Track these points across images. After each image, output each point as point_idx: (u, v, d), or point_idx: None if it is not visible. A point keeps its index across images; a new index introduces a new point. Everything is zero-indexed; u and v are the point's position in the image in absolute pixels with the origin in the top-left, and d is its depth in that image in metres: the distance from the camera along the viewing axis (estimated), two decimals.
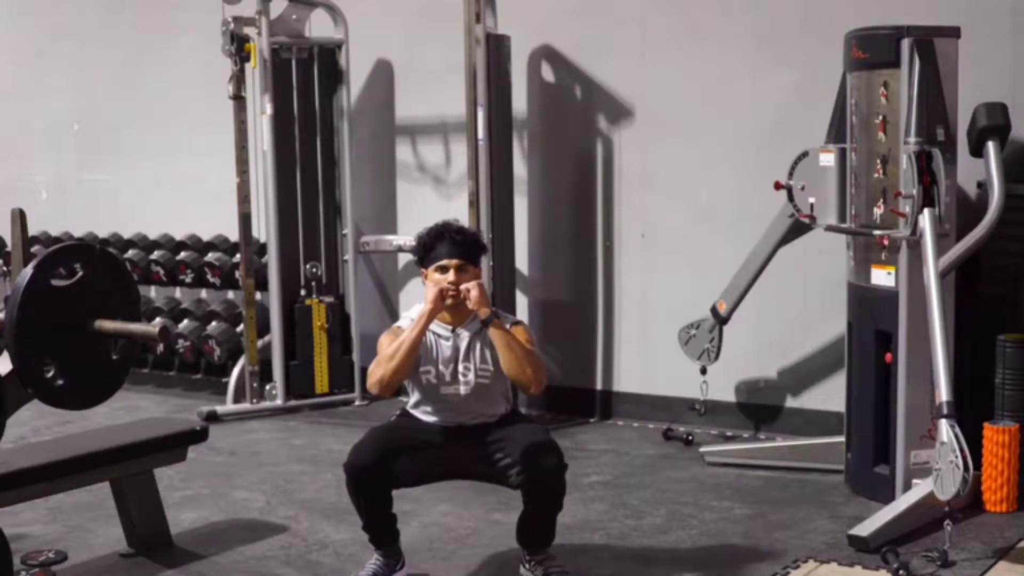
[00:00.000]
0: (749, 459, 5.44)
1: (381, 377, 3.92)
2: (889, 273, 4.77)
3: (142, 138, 7.82)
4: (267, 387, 6.72)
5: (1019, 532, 4.46)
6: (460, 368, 4.02)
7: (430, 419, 4.09)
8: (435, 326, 4.01)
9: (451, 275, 3.94)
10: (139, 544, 4.45)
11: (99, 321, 3.84)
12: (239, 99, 6.61)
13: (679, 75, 6.10)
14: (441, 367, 4.02)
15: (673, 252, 6.18)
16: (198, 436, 4.57)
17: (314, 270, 6.77)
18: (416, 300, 6.86)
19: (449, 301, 3.94)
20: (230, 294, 7.35)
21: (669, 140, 6.16)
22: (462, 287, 3.92)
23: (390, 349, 3.94)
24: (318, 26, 6.81)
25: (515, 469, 3.90)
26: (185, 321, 7.24)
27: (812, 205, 5.08)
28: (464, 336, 4.03)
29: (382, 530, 4.06)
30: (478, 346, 4.02)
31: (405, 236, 6.82)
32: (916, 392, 4.65)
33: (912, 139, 4.59)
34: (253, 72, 6.59)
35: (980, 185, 4.99)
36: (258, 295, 6.81)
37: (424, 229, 4.08)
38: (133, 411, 6.55)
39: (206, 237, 7.46)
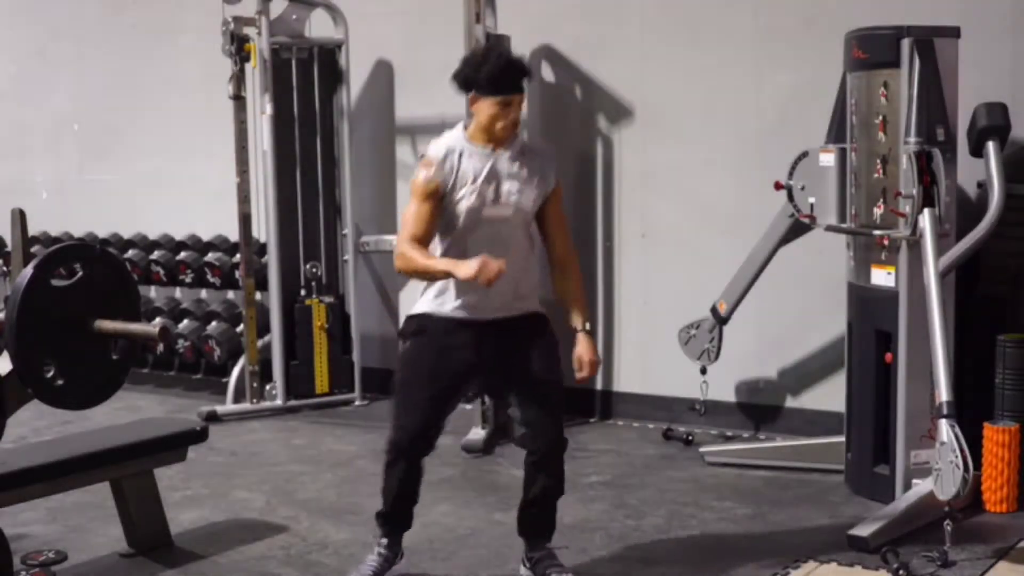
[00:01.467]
0: (749, 459, 5.44)
1: (403, 269, 3.81)
2: (889, 273, 4.77)
3: (142, 138, 7.83)
4: (267, 387, 6.72)
5: (1019, 532, 4.47)
6: (505, 186, 3.82)
7: (458, 310, 3.86)
8: (471, 147, 3.84)
9: (512, 112, 3.79)
10: (139, 544, 4.45)
11: (99, 321, 3.84)
12: (239, 99, 6.61)
13: (679, 75, 6.10)
14: (482, 183, 3.81)
15: (673, 252, 6.18)
16: (198, 436, 4.57)
17: (314, 270, 6.77)
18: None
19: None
20: (230, 294, 7.35)
21: (669, 140, 6.16)
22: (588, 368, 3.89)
23: (416, 253, 3.73)
24: (318, 26, 6.81)
25: (522, 432, 3.93)
26: (185, 321, 7.24)
27: (812, 205, 5.08)
28: (504, 157, 3.85)
29: (404, 512, 4.04)
30: (522, 174, 3.85)
31: None
32: (916, 392, 4.65)
33: (912, 139, 4.59)
34: (253, 72, 6.59)
35: (980, 185, 4.99)
36: (258, 295, 6.82)
37: (480, 51, 3.88)
38: (133, 411, 6.55)
39: (206, 237, 7.46)
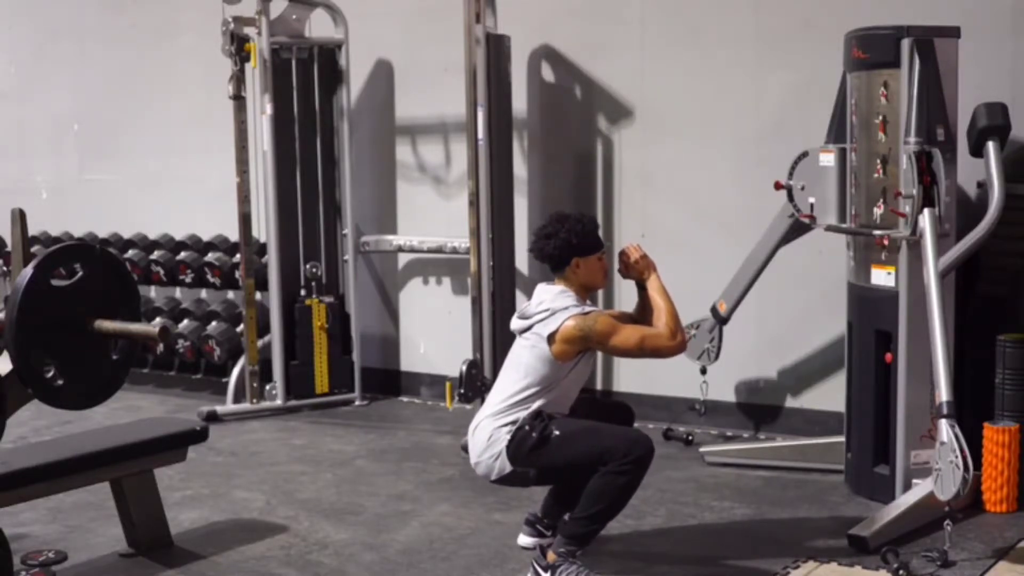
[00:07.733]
0: (749, 459, 5.44)
1: (678, 331, 4.12)
2: (889, 273, 4.77)
3: (142, 138, 7.83)
4: (267, 387, 6.72)
5: (1019, 532, 4.47)
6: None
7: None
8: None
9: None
10: (139, 544, 4.45)
11: (99, 321, 3.84)
12: (239, 99, 6.61)
13: (679, 75, 6.11)
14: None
15: (673, 252, 6.15)
16: (198, 436, 4.57)
17: (314, 270, 6.77)
18: (415, 299, 6.89)
19: None
20: (230, 294, 7.35)
21: (669, 140, 6.16)
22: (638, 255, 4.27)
23: (658, 325, 4.11)
24: (318, 26, 6.81)
25: None
26: (185, 321, 7.24)
27: (812, 205, 5.08)
28: None
29: None
30: None
31: (405, 236, 6.84)
32: (916, 392, 4.66)
33: (912, 139, 4.59)
34: (253, 72, 6.60)
35: (980, 185, 4.99)
36: (258, 295, 6.82)
37: (586, 218, 4.19)
38: (133, 411, 6.56)
39: (206, 237, 7.46)
